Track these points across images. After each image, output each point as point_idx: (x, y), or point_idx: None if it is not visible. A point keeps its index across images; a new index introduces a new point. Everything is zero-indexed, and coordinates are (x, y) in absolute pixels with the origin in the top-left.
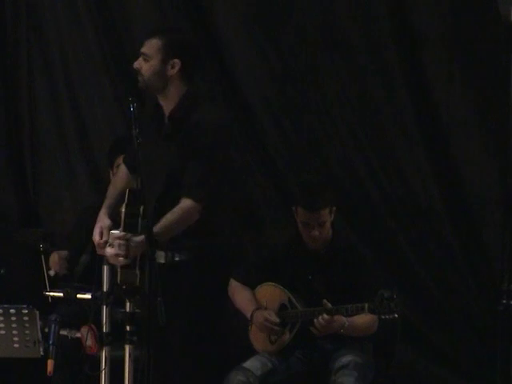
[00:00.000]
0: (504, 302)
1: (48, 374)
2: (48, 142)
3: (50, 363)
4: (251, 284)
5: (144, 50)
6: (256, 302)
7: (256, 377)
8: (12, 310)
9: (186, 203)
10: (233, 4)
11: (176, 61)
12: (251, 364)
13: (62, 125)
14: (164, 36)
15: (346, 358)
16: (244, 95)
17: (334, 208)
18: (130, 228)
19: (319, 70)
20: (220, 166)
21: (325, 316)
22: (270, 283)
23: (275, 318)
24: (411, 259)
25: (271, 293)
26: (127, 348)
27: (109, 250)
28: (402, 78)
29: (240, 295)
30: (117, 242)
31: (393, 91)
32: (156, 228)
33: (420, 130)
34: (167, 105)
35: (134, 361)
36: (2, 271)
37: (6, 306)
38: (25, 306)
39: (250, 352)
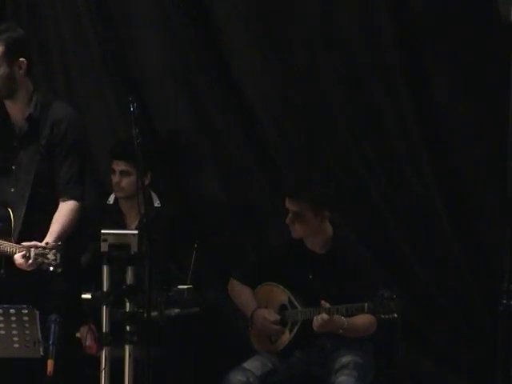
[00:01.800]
0: (504, 301)
1: (48, 373)
2: None
3: (50, 363)
4: (251, 284)
5: None
6: (256, 301)
7: (256, 377)
8: (12, 310)
9: (70, 205)
10: (233, 4)
11: (22, 60)
12: (251, 364)
13: None
14: (3, 39)
15: (346, 358)
16: (244, 95)
17: (326, 213)
18: None
19: (319, 70)
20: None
21: (324, 315)
22: (270, 283)
23: (275, 317)
24: (411, 259)
25: (271, 292)
26: (127, 348)
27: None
28: (402, 78)
29: (240, 294)
30: None
31: (393, 91)
32: (54, 235)
33: (420, 130)
34: (17, 107)
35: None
36: (1, 271)
37: (5, 306)
38: (25, 306)
39: (250, 352)
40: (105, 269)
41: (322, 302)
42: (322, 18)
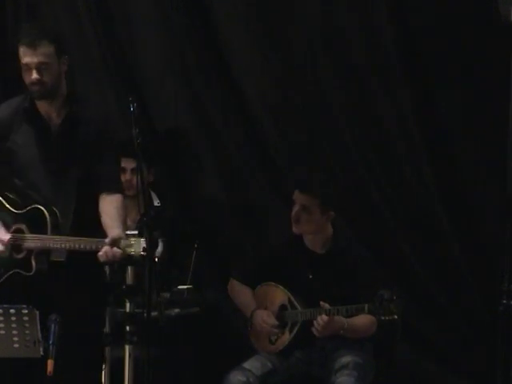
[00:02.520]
0: (504, 301)
1: (48, 373)
2: None
3: (50, 363)
4: (251, 284)
5: (40, 59)
6: (255, 301)
7: (256, 377)
8: (12, 310)
9: (119, 197)
10: (233, 4)
11: (66, 57)
12: (251, 364)
13: None
14: (51, 38)
15: (346, 358)
16: (244, 95)
17: (332, 213)
18: None
19: (319, 70)
20: None
21: (324, 317)
22: (270, 283)
23: (273, 321)
24: (411, 259)
25: (271, 293)
26: (127, 348)
27: None
28: (402, 79)
29: (240, 294)
30: None
31: (393, 91)
32: (118, 230)
33: (420, 130)
34: (54, 105)
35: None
36: (1, 270)
37: (5, 306)
38: (25, 306)
39: (250, 352)
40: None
41: (322, 302)
42: (322, 18)
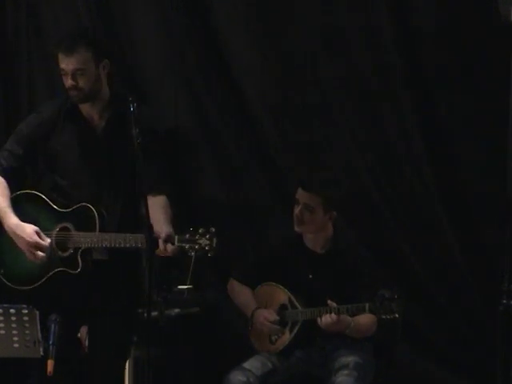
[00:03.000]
0: (504, 301)
1: (48, 374)
2: None
3: (50, 363)
4: (251, 284)
5: (75, 66)
6: (256, 301)
7: (256, 377)
8: (12, 310)
9: (164, 198)
10: (233, 4)
11: (106, 61)
12: (251, 364)
13: None
14: (89, 43)
15: (346, 358)
16: (244, 95)
17: (334, 213)
18: None
19: (319, 70)
20: None
21: (333, 315)
22: (271, 283)
23: (275, 317)
24: (411, 259)
25: (271, 293)
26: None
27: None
28: (402, 78)
29: (239, 294)
30: None
31: (393, 91)
32: (169, 227)
33: (420, 130)
34: (96, 108)
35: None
36: (1, 271)
37: (6, 305)
38: (25, 305)
39: (250, 352)
40: None
41: (329, 301)
42: (321, 18)
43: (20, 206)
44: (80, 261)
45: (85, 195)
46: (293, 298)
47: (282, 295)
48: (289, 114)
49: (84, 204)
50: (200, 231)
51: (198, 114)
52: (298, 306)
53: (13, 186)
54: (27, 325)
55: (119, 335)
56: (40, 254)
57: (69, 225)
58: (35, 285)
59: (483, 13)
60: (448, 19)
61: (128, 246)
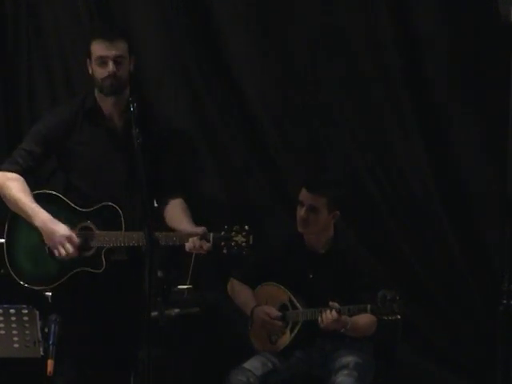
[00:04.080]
0: (504, 302)
1: (48, 374)
2: None
3: (50, 363)
4: (251, 283)
5: (117, 52)
6: (256, 301)
7: (256, 377)
8: (12, 310)
9: (183, 202)
10: (233, 4)
11: (133, 57)
12: (251, 364)
13: None
14: (125, 36)
15: (346, 359)
16: (243, 95)
17: (337, 212)
18: None
19: (319, 70)
20: None
21: (334, 313)
22: (271, 283)
23: (276, 312)
24: (411, 259)
25: (272, 292)
26: None
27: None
28: (402, 78)
29: (240, 294)
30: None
31: (393, 91)
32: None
33: (420, 130)
34: (119, 104)
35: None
36: (1, 271)
37: (5, 305)
38: (25, 305)
39: (250, 352)
40: None
41: (331, 302)
42: (321, 18)
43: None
44: (104, 260)
45: (104, 195)
46: (293, 297)
47: (283, 295)
48: (289, 114)
49: (107, 203)
50: (235, 228)
51: (198, 114)
52: (298, 306)
53: (30, 186)
54: (27, 325)
55: (129, 342)
56: (71, 248)
57: (90, 224)
58: (55, 284)
59: (483, 13)
60: (448, 19)
61: (163, 244)
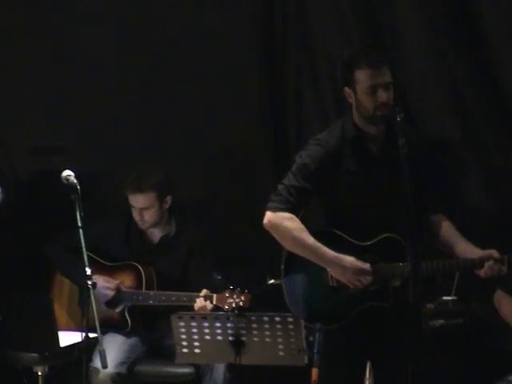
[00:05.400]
0: None
1: (312, 382)
2: None
3: (315, 372)
4: None
5: (387, 79)
6: None
7: None
8: (277, 318)
9: (447, 220)
10: (502, 10)
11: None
12: None
13: None
14: (386, 59)
15: None
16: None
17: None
18: None
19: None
20: None
21: None
22: None
23: None
24: None
25: None
26: None
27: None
28: None
29: (505, 306)
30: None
31: None
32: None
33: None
34: (378, 130)
35: None
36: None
37: (271, 313)
38: (289, 314)
39: None
40: None
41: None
42: None
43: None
44: (391, 293)
45: (378, 224)
46: None
47: None
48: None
49: (389, 235)
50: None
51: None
52: None
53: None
54: (292, 333)
55: None
56: (366, 278)
57: (374, 257)
58: (343, 321)
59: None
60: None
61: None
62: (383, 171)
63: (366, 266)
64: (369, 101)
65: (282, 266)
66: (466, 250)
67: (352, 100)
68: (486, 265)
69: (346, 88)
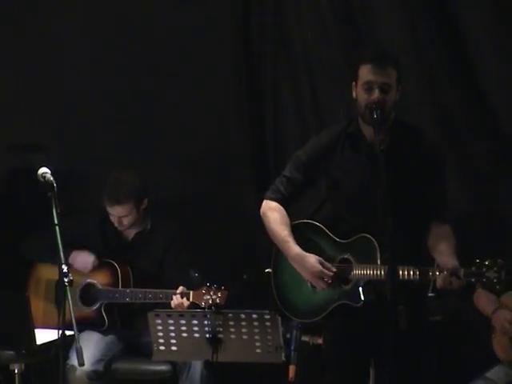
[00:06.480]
0: None
1: (289, 379)
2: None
3: (292, 369)
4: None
5: (385, 80)
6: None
7: None
8: (254, 316)
9: (449, 229)
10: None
11: (400, 87)
12: (495, 374)
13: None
14: (396, 65)
15: None
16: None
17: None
18: None
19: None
20: None
21: None
22: None
23: None
24: None
25: None
26: None
27: None
28: None
29: (481, 298)
30: None
31: None
32: (455, 260)
33: None
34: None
35: None
36: (244, 276)
37: (248, 311)
38: (267, 311)
39: (494, 361)
40: None
41: None
42: None
43: (301, 236)
44: (362, 294)
45: (366, 223)
46: None
47: None
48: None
49: (364, 235)
50: (487, 263)
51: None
52: None
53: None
54: (269, 330)
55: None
56: (326, 280)
57: (349, 256)
58: (319, 317)
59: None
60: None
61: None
62: (367, 172)
63: (328, 267)
64: (362, 97)
65: (273, 255)
66: (446, 260)
67: (355, 95)
68: (440, 275)
69: (354, 82)
